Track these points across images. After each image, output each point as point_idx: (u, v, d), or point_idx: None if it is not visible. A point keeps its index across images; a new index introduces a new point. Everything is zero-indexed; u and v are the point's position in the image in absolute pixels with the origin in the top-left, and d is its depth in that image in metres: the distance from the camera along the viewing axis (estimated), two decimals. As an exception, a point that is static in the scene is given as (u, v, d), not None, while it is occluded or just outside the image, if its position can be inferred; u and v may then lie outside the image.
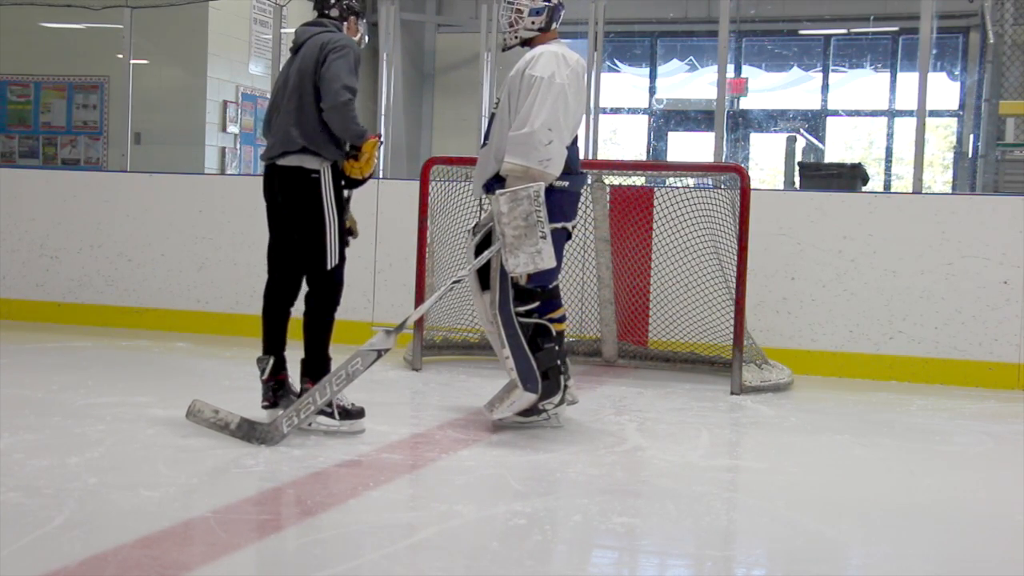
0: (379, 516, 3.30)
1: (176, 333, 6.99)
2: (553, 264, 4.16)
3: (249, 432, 3.96)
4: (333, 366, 4.22)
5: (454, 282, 4.29)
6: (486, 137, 4.45)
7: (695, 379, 5.93)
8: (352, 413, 4.23)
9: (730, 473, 4.07)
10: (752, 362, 5.78)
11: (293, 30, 4.50)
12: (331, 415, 4.18)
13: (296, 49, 4.33)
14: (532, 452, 4.14)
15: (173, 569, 2.69)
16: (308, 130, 4.17)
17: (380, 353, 4.04)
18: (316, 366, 4.28)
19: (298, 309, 4.39)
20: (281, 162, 4.22)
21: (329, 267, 4.22)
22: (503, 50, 4.53)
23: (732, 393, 5.52)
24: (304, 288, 4.37)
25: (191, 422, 4.01)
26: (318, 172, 4.18)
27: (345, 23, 4.40)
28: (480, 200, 4.39)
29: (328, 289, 4.26)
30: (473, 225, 4.58)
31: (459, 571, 2.84)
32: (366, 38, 4.51)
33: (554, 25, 4.43)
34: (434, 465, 3.87)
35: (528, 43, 4.42)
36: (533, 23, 4.37)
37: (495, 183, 4.31)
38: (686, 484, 3.74)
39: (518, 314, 4.28)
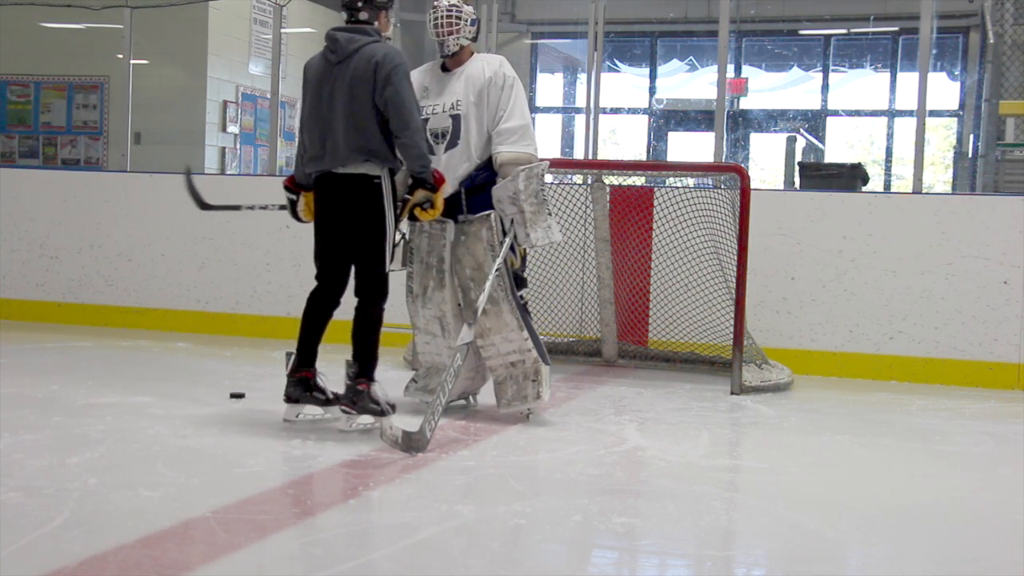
0: (379, 516, 3.30)
1: (176, 333, 6.99)
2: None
3: (407, 443, 3.99)
4: (322, 363, 4.36)
5: (496, 271, 4.45)
6: (455, 137, 4.54)
7: (695, 379, 5.93)
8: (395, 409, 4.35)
9: (730, 473, 4.07)
10: (752, 362, 5.78)
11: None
12: (380, 412, 4.26)
13: (341, 59, 4.27)
14: (532, 452, 4.15)
15: (173, 569, 2.69)
16: (372, 144, 4.24)
17: (469, 345, 4.34)
18: (369, 366, 4.34)
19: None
20: (342, 171, 4.28)
21: (387, 269, 4.33)
22: (450, 55, 4.61)
23: (732, 393, 5.52)
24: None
25: (383, 442, 3.98)
26: (379, 178, 4.28)
27: (377, 21, 4.37)
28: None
29: (381, 289, 4.35)
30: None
31: (459, 571, 2.84)
32: (396, 25, 4.50)
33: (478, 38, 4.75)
34: (434, 465, 3.87)
35: (458, 52, 4.62)
36: (468, 33, 4.62)
37: (479, 174, 4.54)
38: (686, 484, 3.74)
39: (521, 298, 4.58)
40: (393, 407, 4.35)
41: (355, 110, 4.25)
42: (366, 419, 4.32)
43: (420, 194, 4.33)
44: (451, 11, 4.54)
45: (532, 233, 4.46)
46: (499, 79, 4.54)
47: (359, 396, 4.29)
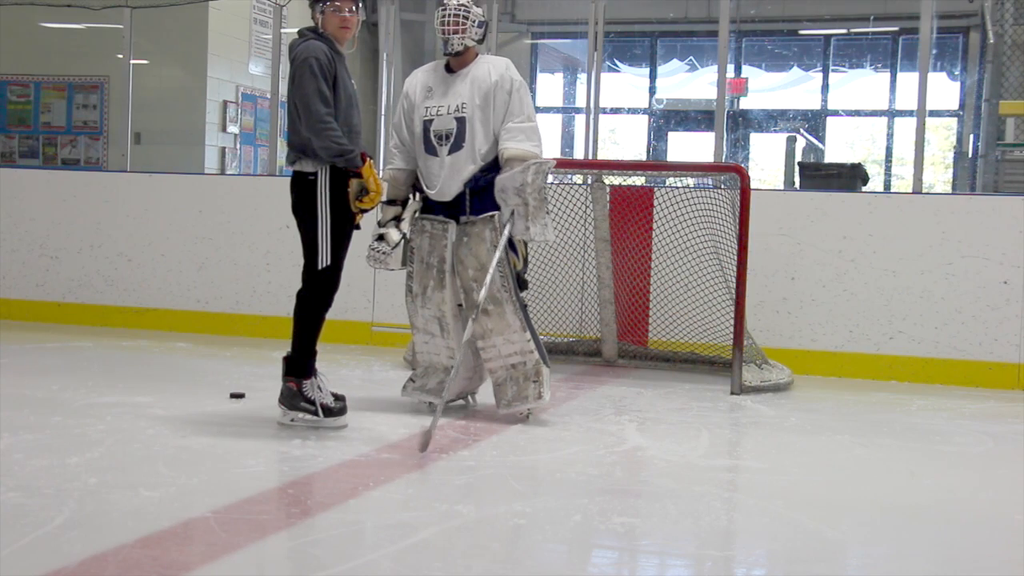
0: (379, 516, 3.30)
1: (176, 333, 6.98)
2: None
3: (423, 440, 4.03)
4: (318, 363, 4.35)
5: (497, 268, 4.46)
6: (459, 140, 4.52)
7: (695, 379, 5.92)
8: (334, 411, 4.32)
9: (730, 473, 4.07)
10: (752, 362, 5.78)
11: (293, 30, 4.51)
12: (315, 412, 4.28)
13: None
14: (532, 452, 4.15)
15: (173, 569, 2.69)
16: (299, 140, 4.28)
17: (470, 345, 4.47)
18: (298, 364, 4.32)
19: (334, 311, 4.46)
20: (292, 168, 4.36)
21: (320, 267, 4.25)
22: (454, 55, 4.60)
23: (732, 393, 5.52)
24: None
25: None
26: (315, 175, 4.26)
27: (314, 19, 4.38)
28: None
29: (318, 289, 4.30)
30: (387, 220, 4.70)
31: (459, 571, 2.84)
32: (355, 17, 4.37)
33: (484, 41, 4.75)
34: (434, 465, 3.87)
35: (463, 52, 4.60)
36: (475, 34, 4.61)
37: (483, 176, 4.52)
38: (686, 484, 3.74)
39: (520, 299, 4.58)
40: (340, 406, 4.33)
41: (289, 110, 4.34)
42: (307, 417, 4.29)
43: (353, 184, 4.26)
44: (459, 10, 4.54)
45: (532, 227, 4.46)
46: (506, 83, 4.54)
47: (290, 393, 4.31)
